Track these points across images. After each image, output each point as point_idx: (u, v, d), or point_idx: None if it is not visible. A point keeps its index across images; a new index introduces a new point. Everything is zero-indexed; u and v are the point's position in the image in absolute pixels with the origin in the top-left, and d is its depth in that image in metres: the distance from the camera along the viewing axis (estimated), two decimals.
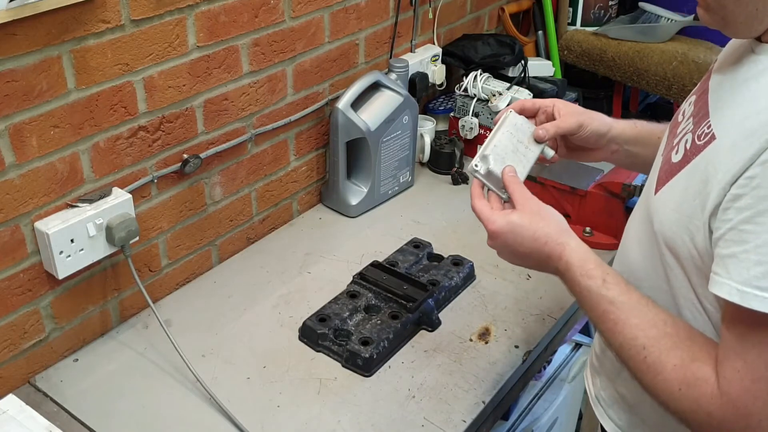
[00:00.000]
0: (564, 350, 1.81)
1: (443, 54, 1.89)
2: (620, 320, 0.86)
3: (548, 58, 2.21)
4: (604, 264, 0.92)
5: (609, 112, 2.24)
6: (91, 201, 1.18)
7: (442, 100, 2.00)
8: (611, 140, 1.12)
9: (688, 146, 0.86)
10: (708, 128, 0.83)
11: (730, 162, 0.76)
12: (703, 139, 0.83)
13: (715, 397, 0.77)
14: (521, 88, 1.81)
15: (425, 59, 1.82)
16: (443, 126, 1.94)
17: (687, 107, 0.96)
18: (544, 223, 0.96)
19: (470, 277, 1.45)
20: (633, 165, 1.17)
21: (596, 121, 1.10)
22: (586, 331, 1.98)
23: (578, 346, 1.85)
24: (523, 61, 1.91)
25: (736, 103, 0.80)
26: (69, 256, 1.16)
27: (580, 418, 1.97)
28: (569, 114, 1.10)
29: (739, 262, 0.74)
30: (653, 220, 0.89)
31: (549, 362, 1.72)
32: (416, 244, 1.51)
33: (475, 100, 1.82)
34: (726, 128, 0.79)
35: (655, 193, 0.90)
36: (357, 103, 1.58)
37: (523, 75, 1.89)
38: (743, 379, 0.75)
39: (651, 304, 0.87)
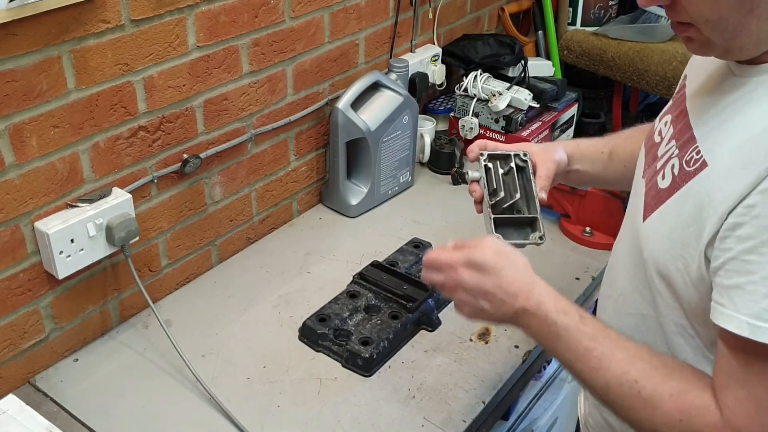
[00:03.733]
0: None
1: (443, 54, 1.89)
2: (605, 355, 0.82)
3: (548, 58, 2.21)
4: (574, 303, 0.90)
5: (609, 112, 2.25)
6: (91, 201, 1.18)
7: (442, 100, 2.00)
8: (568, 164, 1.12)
9: (676, 172, 0.84)
10: (697, 154, 0.81)
11: (727, 190, 0.74)
12: (693, 165, 0.81)
13: (718, 426, 0.75)
14: (521, 88, 1.81)
15: (425, 59, 1.82)
16: (443, 126, 1.94)
17: (663, 127, 0.94)
18: (510, 262, 0.91)
19: None
20: (582, 182, 1.17)
21: (560, 152, 1.10)
22: None
23: None
24: (523, 61, 1.91)
25: (725, 128, 0.79)
26: (69, 256, 1.16)
27: None
28: (545, 159, 1.08)
29: (745, 294, 0.72)
30: (642, 248, 0.87)
31: (549, 362, 1.72)
32: (416, 244, 1.51)
33: (475, 100, 1.82)
34: (719, 154, 0.78)
35: (644, 219, 0.88)
36: (357, 103, 1.58)
37: (523, 75, 1.89)
38: (748, 408, 0.74)
39: (628, 339, 0.85)
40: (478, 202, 1.09)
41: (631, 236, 0.93)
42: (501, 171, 1.08)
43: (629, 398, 0.80)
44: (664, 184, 0.86)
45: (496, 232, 1.03)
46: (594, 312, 1.88)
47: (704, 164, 0.79)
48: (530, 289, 0.89)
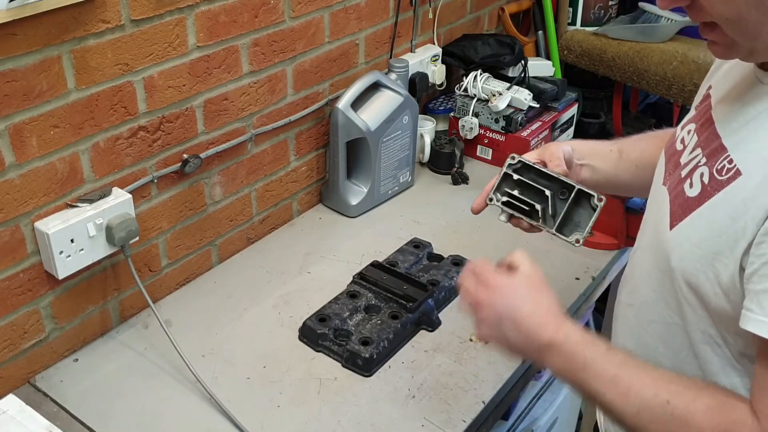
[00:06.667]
0: None
1: (443, 54, 1.89)
2: (635, 382, 0.82)
3: (548, 58, 2.21)
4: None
5: (609, 112, 2.25)
6: (91, 201, 1.18)
7: (442, 100, 2.00)
8: (574, 156, 1.10)
9: (706, 180, 0.83)
10: (730, 163, 0.80)
11: (763, 197, 0.74)
12: (726, 174, 0.80)
13: None
14: (521, 88, 1.81)
15: (425, 59, 1.82)
16: (443, 126, 1.94)
17: (686, 135, 0.93)
18: (550, 295, 0.92)
19: None
20: (596, 182, 1.14)
21: (563, 146, 1.08)
22: None
23: None
24: (523, 61, 1.91)
25: (758, 137, 0.79)
26: (69, 256, 1.16)
27: (580, 418, 1.97)
28: (545, 149, 1.07)
29: None
30: (670, 257, 0.86)
31: None
32: (416, 244, 1.51)
33: (475, 100, 1.82)
34: (753, 164, 0.78)
35: (671, 228, 0.87)
36: (357, 103, 1.58)
37: (523, 75, 1.89)
38: None
39: (654, 365, 0.84)
40: (527, 230, 1.07)
41: (654, 244, 0.92)
42: (516, 191, 1.04)
43: (663, 420, 0.79)
44: (692, 192, 0.85)
45: (569, 237, 1.01)
46: (603, 316, 1.88)
47: (738, 173, 0.79)
48: (560, 322, 0.88)
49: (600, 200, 1.00)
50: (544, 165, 1.04)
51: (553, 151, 1.07)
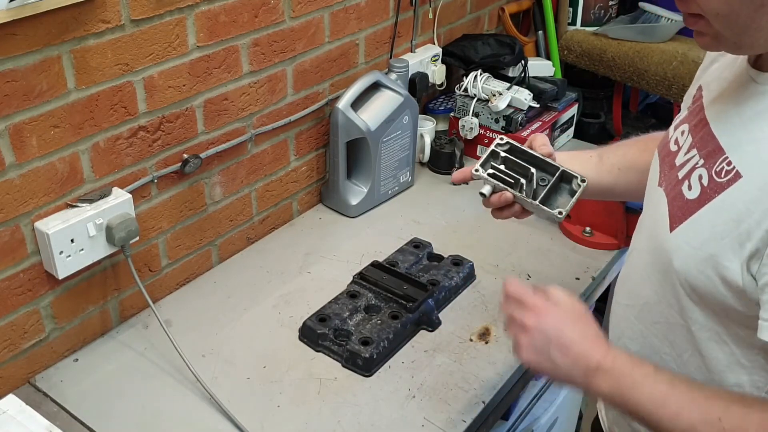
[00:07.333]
0: None
1: (443, 54, 1.89)
2: (686, 400, 0.81)
3: (548, 58, 2.21)
4: None
5: (609, 112, 2.25)
6: (91, 201, 1.18)
7: (442, 100, 2.00)
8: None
9: (705, 182, 0.83)
10: (728, 165, 0.80)
11: (766, 203, 0.74)
12: (725, 176, 0.80)
13: None
14: (521, 88, 1.81)
15: (425, 59, 1.82)
16: (443, 126, 1.94)
17: (680, 136, 0.93)
18: (594, 323, 0.91)
19: (470, 277, 1.45)
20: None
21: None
22: None
23: None
24: (523, 61, 1.91)
25: (756, 139, 0.79)
26: (69, 256, 1.16)
27: (580, 418, 1.97)
28: (537, 137, 1.10)
29: None
30: (672, 259, 0.86)
31: None
32: (416, 244, 1.51)
33: (475, 100, 1.82)
34: (753, 166, 0.78)
35: (671, 230, 0.87)
36: (357, 103, 1.58)
37: (523, 75, 1.89)
38: None
39: (702, 384, 0.84)
40: (502, 209, 1.08)
41: (653, 246, 0.91)
42: (502, 166, 1.06)
43: None
44: (691, 194, 0.85)
45: (552, 209, 1.03)
46: (603, 316, 1.89)
47: (738, 175, 0.79)
48: (606, 347, 0.88)
49: (582, 182, 1.03)
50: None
51: (537, 136, 1.10)
